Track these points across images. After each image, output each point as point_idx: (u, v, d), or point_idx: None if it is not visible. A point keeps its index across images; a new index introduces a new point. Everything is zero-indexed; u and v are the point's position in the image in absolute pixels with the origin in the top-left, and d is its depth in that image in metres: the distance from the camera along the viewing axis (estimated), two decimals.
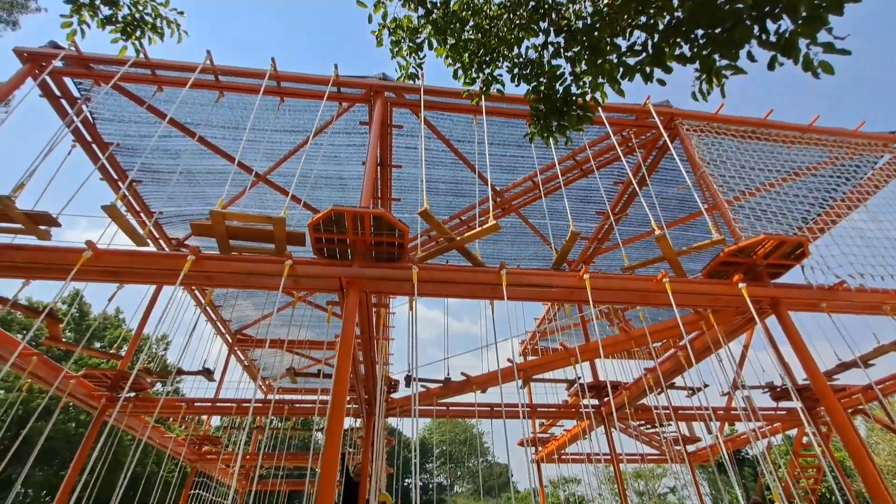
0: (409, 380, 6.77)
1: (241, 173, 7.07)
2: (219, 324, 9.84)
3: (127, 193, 6.76)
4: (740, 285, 4.05)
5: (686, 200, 8.00)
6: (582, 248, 8.52)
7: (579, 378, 7.13)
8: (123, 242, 4.99)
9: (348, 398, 6.92)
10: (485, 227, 4.02)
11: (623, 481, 6.94)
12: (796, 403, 3.43)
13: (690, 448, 10.31)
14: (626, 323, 8.65)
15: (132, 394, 6.38)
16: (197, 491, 9.49)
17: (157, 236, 7.39)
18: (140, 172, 6.86)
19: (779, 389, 7.96)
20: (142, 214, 6.95)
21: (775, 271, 4.54)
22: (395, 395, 6.50)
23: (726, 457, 3.27)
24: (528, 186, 7.55)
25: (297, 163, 6.65)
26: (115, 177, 6.54)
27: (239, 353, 10.70)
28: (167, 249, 7.24)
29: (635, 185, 4.56)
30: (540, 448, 9.84)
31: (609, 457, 7.38)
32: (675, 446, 9.59)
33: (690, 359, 4.55)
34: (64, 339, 5.23)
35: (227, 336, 10.29)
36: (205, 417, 9.70)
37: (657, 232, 4.09)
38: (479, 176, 7.21)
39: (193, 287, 8.06)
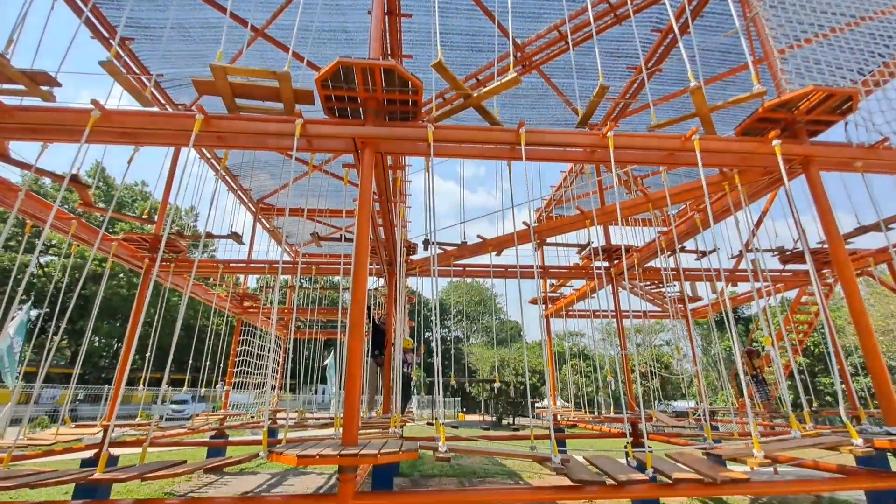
0: (426, 243, 7.07)
1: (237, 27, 6.50)
2: (240, 193, 10.08)
3: (121, 52, 6.34)
4: (774, 142, 3.82)
5: (729, 53, 7.20)
6: (606, 109, 7.98)
7: (591, 242, 7.32)
8: (130, 104, 4.85)
9: (370, 261, 7.38)
10: (504, 80, 3.72)
11: (625, 334, 7.58)
12: (808, 265, 3.48)
13: (692, 306, 11.02)
14: (644, 190, 8.52)
15: (172, 255, 6.90)
16: (245, 337, 10.86)
17: (163, 101, 7.15)
18: (130, 29, 6.37)
19: (788, 253, 8.12)
20: (143, 78, 6.63)
21: (814, 129, 4.23)
22: (413, 258, 6.87)
23: (729, 312, 3.48)
24: (553, 38, 6.78)
25: (296, 13, 6.01)
26: (106, 34, 6.08)
27: (263, 220, 11.14)
28: None
29: (676, 32, 4.02)
30: (550, 305, 10.66)
31: (613, 313, 7.99)
32: (677, 304, 10.26)
33: (709, 220, 4.54)
34: (95, 205, 5.47)
35: (251, 205, 10.61)
36: (241, 278, 10.58)
37: (693, 84, 3.73)
38: (499, 26, 6.45)
39: (206, 151, 8.06)
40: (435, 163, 4.02)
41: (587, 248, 7.07)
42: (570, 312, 10.79)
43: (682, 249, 7.61)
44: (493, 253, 7.51)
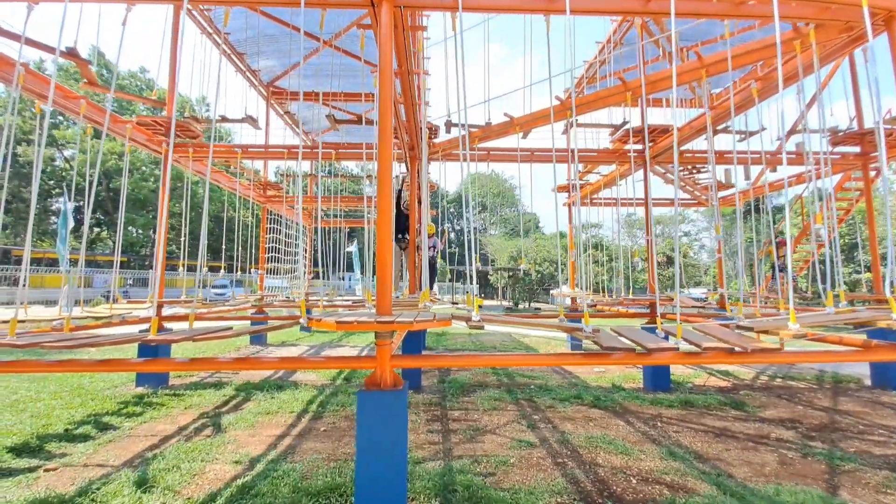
0: (449, 125, 6.67)
1: None
2: (248, 74, 9.46)
3: None
4: None
5: None
6: None
7: (628, 121, 6.78)
8: None
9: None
10: None
11: (650, 222, 7.37)
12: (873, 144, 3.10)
13: (722, 193, 10.59)
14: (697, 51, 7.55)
15: (188, 139, 6.73)
16: (272, 225, 11.16)
17: None
18: None
19: (841, 134, 7.43)
20: None
21: None
22: (436, 141, 6.54)
23: (761, 201, 3.23)
24: None
25: None
26: None
27: (275, 105, 10.63)
28: None
29: None
30: (573, 193, 10.39)
31: (641, 200, 7.71)
32: (708, 192, 9.85)
33: (772, 87, 4.00)
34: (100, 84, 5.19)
35: (261, 88, 10.03)
36: (260, 167, 10.49)
37: None
38: None
39: (205, 22, 7.38)
40: (456, 35, 3.52)
41: (622, 128, 6.56)
42: (594, 201, 10.54)
43: (726, 130, 7.01)
44: (521, 136, 7.08)
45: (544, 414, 5.12)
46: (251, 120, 6.63)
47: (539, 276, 30.48)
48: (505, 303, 32.91)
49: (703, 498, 3.06)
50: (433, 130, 6.43)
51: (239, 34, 8.36)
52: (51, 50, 3.82)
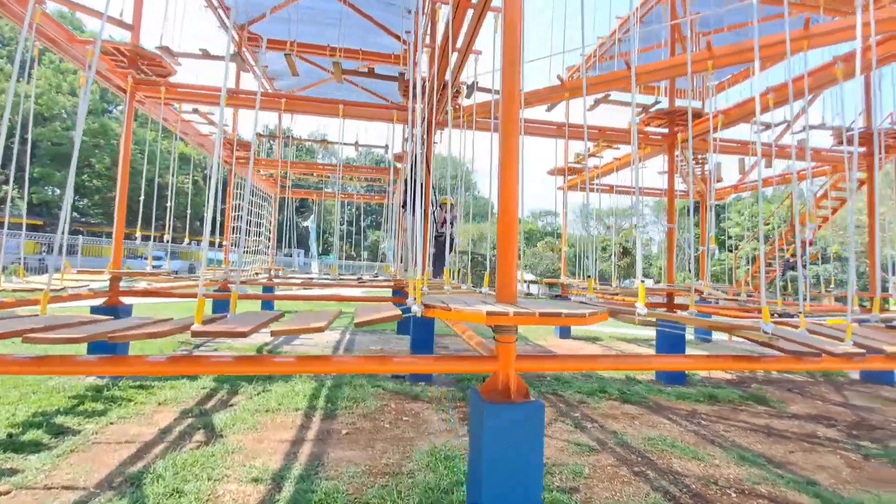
0: (470, 89, 5.96)
1: None
2: (219, 11, 8.07)
3: None
4: None
5: None
6: None
7: (660, 100, 6.41)
8: None
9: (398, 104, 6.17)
10: None
11: (675, 208, 6.95)
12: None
13: (719, 185, 10.72)
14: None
15: (155, 78, 5.50)
16: (238, 190, 9.87)
17: None
18: None
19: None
20: None
21: None
22: (463, 102, 5.79)
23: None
24: None
25: None
26: None
27: (249, 54, 9.26)
28: None
29: None
30: (571, 176, 10.05)
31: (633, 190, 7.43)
32: (707, 183, 9.89)
33: (874, 62, 3.68)
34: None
35: (234, 31, 8.64)
36: (230, 125, 9.14)
37: None
38: None
39: None
40: None
41: (654, 107, 6.18)
42: (592, 187, 10.26)
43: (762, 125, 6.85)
44: (546, 108, 6.53)
45: (582, 411, 4.71)
46: (240, 59, 5.53)
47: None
48: (464, 286, 32.74)
49: None
50: (458, 91, 5.68)
51: None
52: None
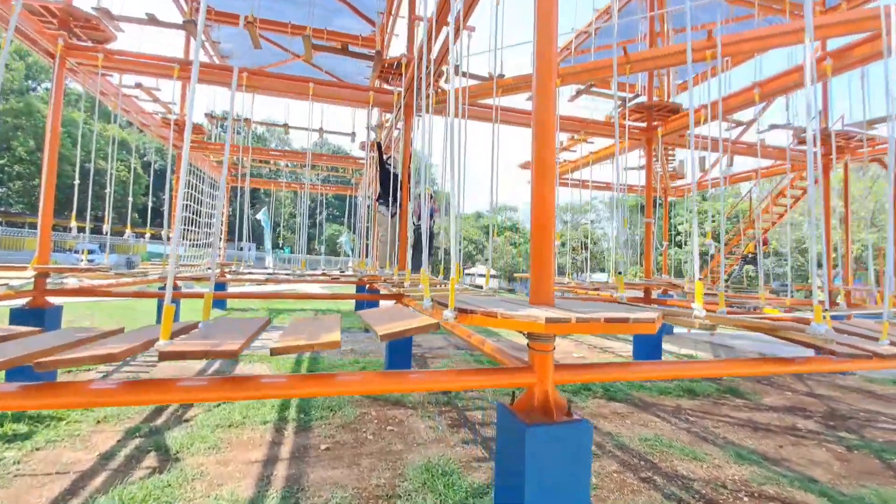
0: (457, 69, 5.59)
1: None
2: None
3: None
4: None
5: None
6: None
7: (640, 94, 6.35)
8: None
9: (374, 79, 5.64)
10: None
11: (652, 204, 7.09)
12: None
13: (675, 183, 11.00)
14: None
15: (91, 44, 4.73)
16: (189, 178, 8.97)
17: None
18: None
19: (804, 134, 7.80)
20: None
21: None
22: (445, 86, 5.43)
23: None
24: None
25: None
26: None
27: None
28: None
29: None
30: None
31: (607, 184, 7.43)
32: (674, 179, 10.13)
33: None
34: None
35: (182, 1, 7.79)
36: (178, 103, 8.24)
37: None
38: None
39: None
40: None
41: (634, 101, 6.11)
42: (562, 181, 10.23)
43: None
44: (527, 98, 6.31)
45: None
46: (193, 26, 4.88)
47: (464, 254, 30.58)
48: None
49: None
50: (441, 73, 5.31)
51: None
52: None
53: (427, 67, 4.73)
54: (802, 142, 7.76)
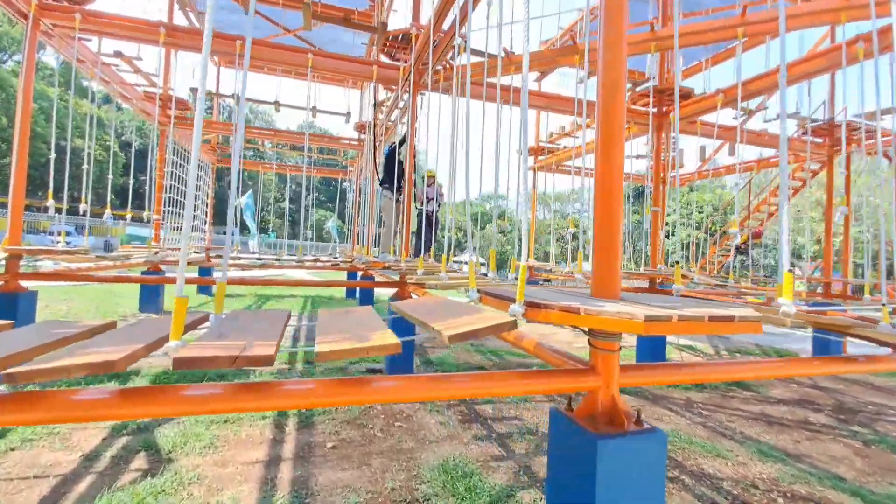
0: (462, 47, 5.29)
1: None
2: None
3: None
4: None
5: None
6: None
7: (651, 77, 6.13)
8: None
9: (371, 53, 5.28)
10: None
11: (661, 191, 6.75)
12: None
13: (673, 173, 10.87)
14: None
15: (67, 4, 4.28)
16: (173, 157, 8.48)
17: None
18: None
19: (811, 125, 7.60)
20: None
21: None
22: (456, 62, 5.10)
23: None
24: None
25: None
26: None
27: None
28: None
29: None
30: (543, 157, 9.71)
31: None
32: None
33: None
34: None
35: None
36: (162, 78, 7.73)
37: None
38: None
39: None
40: None
41: (644, 85, 5.90)
42: (560, 168, 10.03)
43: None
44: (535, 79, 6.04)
45: None
46: None
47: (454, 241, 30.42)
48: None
49: None
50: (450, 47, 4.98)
51: None
52: None
53: (442, 40, 4.42)
54: (805, 132, 7.67)
